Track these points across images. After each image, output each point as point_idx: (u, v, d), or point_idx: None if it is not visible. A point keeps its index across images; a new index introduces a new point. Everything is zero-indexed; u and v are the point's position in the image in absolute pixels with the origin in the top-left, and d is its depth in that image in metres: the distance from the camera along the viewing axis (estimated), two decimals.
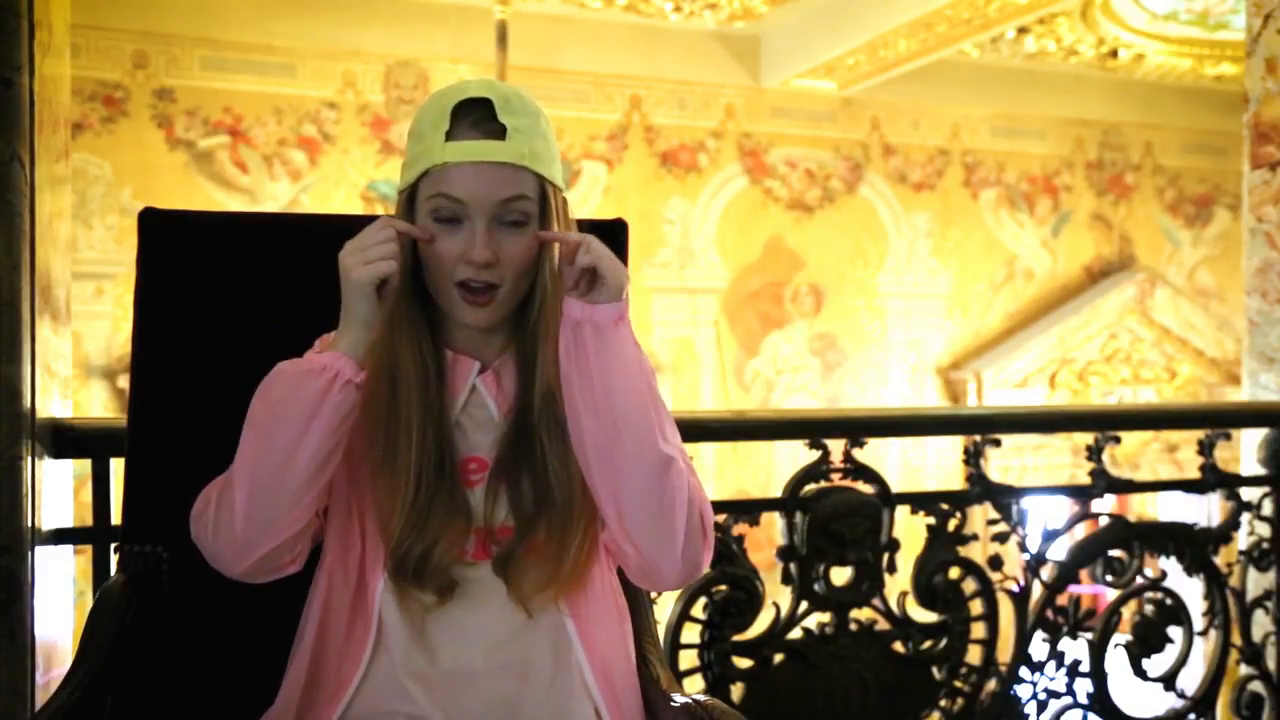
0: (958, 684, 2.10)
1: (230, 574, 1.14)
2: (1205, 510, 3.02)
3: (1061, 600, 2.20)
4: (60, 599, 1.66)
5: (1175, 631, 2.29)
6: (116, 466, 1.56)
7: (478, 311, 1.17)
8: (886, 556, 2.04)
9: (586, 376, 1.11)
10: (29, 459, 1.48)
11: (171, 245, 1.43)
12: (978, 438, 2.14)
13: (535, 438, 1.18)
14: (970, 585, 2.11)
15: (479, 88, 1.16)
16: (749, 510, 2.00)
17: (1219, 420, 2.44)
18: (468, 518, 1.17)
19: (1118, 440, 2.25)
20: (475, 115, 1.14)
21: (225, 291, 1.43)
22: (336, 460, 1.13)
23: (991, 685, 2.14)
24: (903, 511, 2.09)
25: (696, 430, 1.96)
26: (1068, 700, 2.22)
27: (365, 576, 1.18)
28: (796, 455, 2.07)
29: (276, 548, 1.12)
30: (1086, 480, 2.25)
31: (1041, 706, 2.20)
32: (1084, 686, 2.22)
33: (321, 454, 1.10)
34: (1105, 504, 2.31)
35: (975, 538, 2.13)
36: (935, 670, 2.09)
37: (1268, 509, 2.38)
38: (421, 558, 1.14)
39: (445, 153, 1.13)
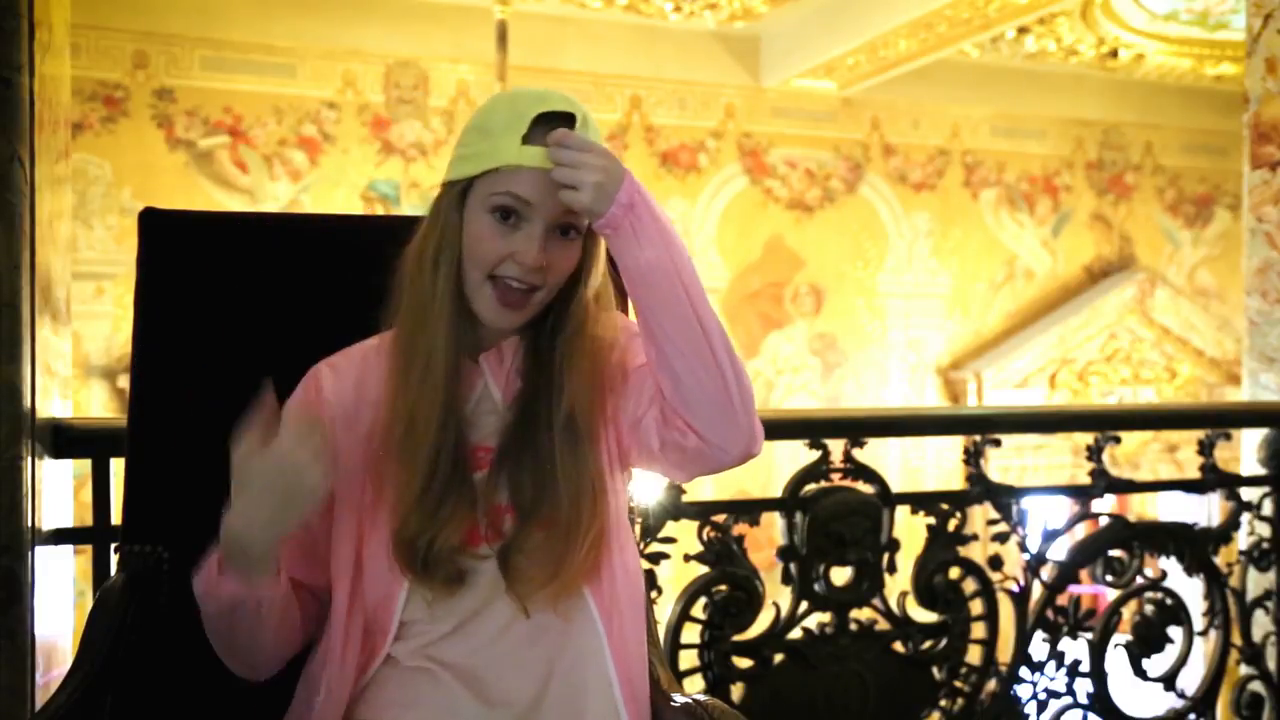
0: (958, 684, 2.11)
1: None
2: (1205, 510, 3.02)
3: (1061, 600, 2.20)
4: (60, 599, 1.66)
5: (1175, 631, 2.29)
6: (116, 466, 1.56)
7: (510, 314, 1.19)
8: (886, 556, 2.04)
9: (628, 280, 1.14)
10: (29, 459, 1.48)
11: (171, 245, 1.43)
12: (978, 438, 2.14)
13: (542, 435, 1.19)
14: (970, 585, 2.11)
15: (560, 101, 1.17)
16: (749, 510, 2.00)
17: (1219, 420, 2.44)
18: (473, 504, 1.19)
19: (1118, 440, 2.25)
20: (555, 124, 1.14)
21: (225, 291, 1.43)
22: (299, 629, 1.22)
23: (991, 685, 2.14)
24: (903, 511, 2.09)
25: None
26: (1068, 700, 2.22)
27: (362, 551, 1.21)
28: (796, 455, 2.07)
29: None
30: (1086, 480, 2.25)
31: (1041, 706, 2.20)
32: (1084, 686, 2.23)
33: (276, 645, 1.20)
34: (1105, 504, 2.31)
35: (975, 538, 2.13)
36: (935, 670, 2.09)
37: (1268, 509, 2.38)
38: (427, 546, 1.15)
39: (522, 155, 1.14)
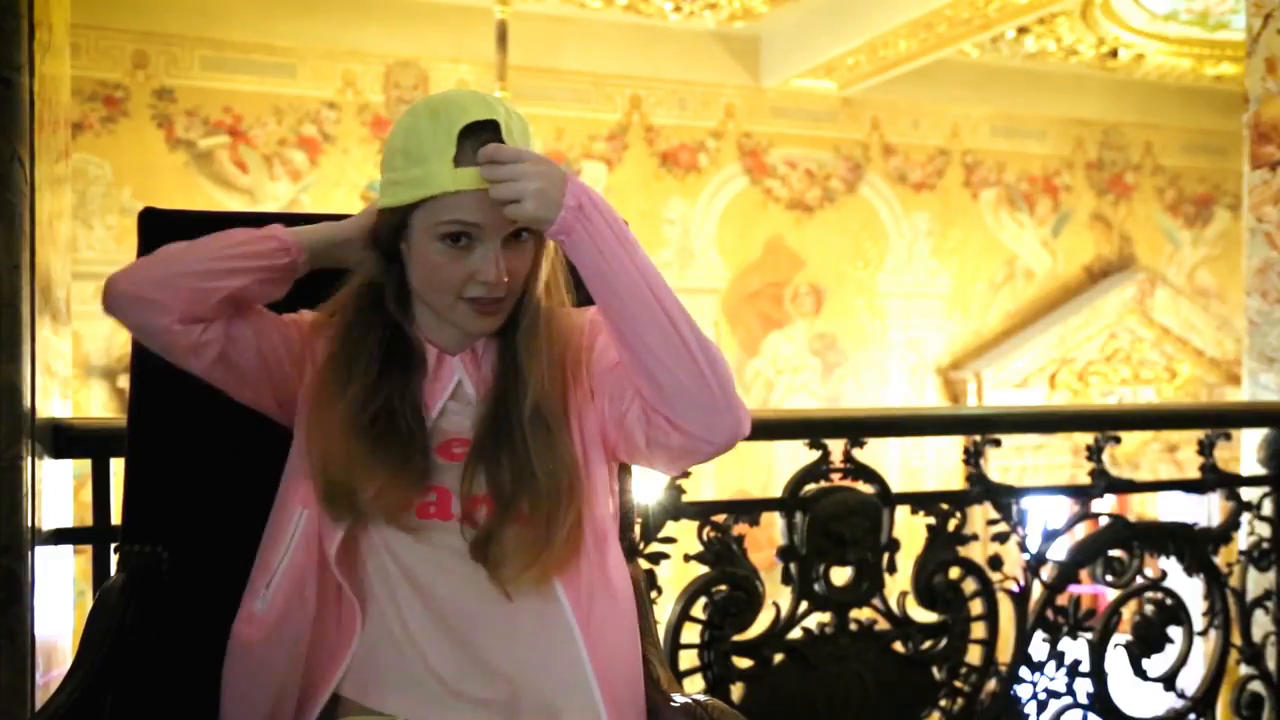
0: (958, 684, 2.10)
1: (109, 308, 1.28)
2: (1205, 510, 3.02)
3: (1061, 600, 2.20)
4: (60, 599, 1.66)
5: (1175, 631, 2.29)
6: (116, 466, 1.56)
7: (488, 320, 1.21)
8: (886, 556, 2.04)
9: (589, 284, 1.15)
10: (29, 459, 1.48)
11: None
12: (978, 438, 2.14)
13: (515, 428, 1.20)
14: (970, 585, 2.11)
15: (479, 107, 1.15)
16: (749, 510, 2.00)
17: (1219, 420, 2.43)
18: (425, 472, 1.21)
19: (1118, 440, 2.25)
20: (481, 138, 1.13)
21: None
22: (232, 294, 1.22)
23: (991, 685, 2.14)
24: (903, 511, 2.09)
25: None
26: (1068, 700, 2.22)
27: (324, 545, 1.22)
28: (796, 455, 2.07)
29: (161, 324, 1.23)
30: (1086, 480, 2.25)
31: (1041, 706, 2.20)
32: (1084, 686, 2.23)
33: (229, 277, 1.21)
34: (1105, 504, 2.31)
35: (975, 538, 2.13)
36: (935, 670, 2.09)
37: (1268, 509, 2.38)
38: (368, 496, 1.19)
39: (458, 180, 1.12)
